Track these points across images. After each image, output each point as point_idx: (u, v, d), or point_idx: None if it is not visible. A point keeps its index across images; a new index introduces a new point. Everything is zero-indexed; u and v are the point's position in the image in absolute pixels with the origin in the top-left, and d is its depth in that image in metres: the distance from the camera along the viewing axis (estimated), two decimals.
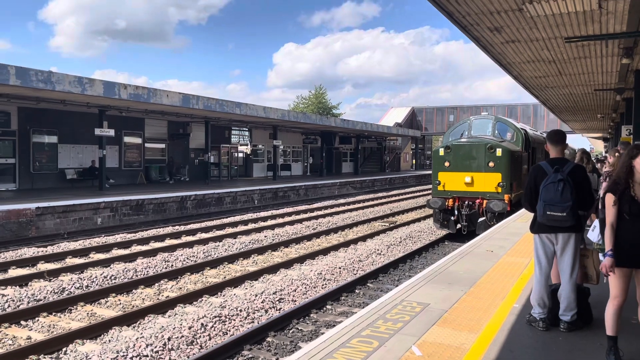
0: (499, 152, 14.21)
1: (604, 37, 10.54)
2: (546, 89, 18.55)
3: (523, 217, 13.12)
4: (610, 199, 4.13)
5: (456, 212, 14.67)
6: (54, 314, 8.25)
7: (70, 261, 12.10)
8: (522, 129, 16.83)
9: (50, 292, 9.38)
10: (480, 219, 14.31)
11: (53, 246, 13.72)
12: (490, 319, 5.32)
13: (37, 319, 7.99)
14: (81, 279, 10.28)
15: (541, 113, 52.70)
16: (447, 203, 14.77)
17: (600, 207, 8.10)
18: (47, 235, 15.32)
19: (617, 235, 4.09)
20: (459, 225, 14.82)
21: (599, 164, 21.17)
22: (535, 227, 5.01)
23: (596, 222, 7.57)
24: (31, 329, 7.64)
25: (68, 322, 7.91)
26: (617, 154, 8.55)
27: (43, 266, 11.47)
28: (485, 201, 14.23)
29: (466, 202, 14.62)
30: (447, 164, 14.85)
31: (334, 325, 7.05)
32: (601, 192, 8.25)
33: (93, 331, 7.32)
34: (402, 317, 5.35)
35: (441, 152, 15.10)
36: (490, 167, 14.21)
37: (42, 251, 13.03)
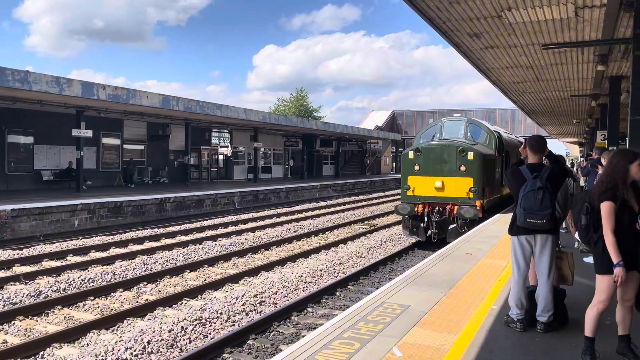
0: (470, 155, 13.54)
1: (579, 45, 10.79)
2: (524, 94, 18.86)
3: (500, 221, 13.32)
4: (610, 207, 4.01)
5: (426, 218, 14.05)
6: (30, 317, 8.10)
7: (47, 264, 11.90)
8: (495, 131, 16.21)
9: (27, 295, 9.22)
10: (451, 226, 13.72)
11: (29, 249, 13.48)
12: (470, 320, 5.40)
13: (13, 322, 7.85)
14: (58, 282, 10.12)
15: (519, 117, 53.57)
16: (416, 209, 14.12)
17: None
18: (22, 238, 15.04)
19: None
20: (429, 233, 14.22)
21: (574, 168, 21.46)
22: (514, 230, 5.11)
23: None
24: (7, 333, 7.50)
25: (45, 326, 7.78)
26: None
27: (19, 269, 11.25)
28: (456, 207, 13.61)
29: (436, 208, 14.01)
30: (416, 167, 14.17)
31: (315, 328, 7.06)
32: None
33: (71, 335, 7.22)
34: (383, 319, 5.40)
35: (410, 155, 14.37)
36: (461, 171, 13.60)
37: (18, 254, 12.79)
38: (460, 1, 8.26)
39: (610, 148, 12.50)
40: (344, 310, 8.10)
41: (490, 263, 8.26)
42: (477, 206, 13.37)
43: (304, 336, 6.41)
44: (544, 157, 5.23)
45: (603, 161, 8.79)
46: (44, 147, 23.23)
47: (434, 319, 5.43)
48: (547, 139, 5.35)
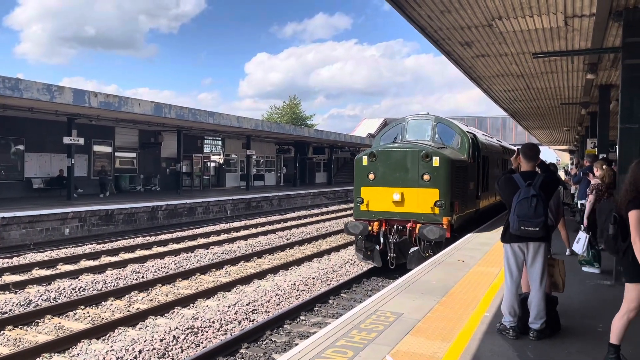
0: (435, 161, 11.14)
1: (569, 53, 10.90)
2: (515, 102, 19.00)
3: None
4: (638, 215, 4.04)
5: (382, 239, 11.48)
6: (20, 327, 8.02)
7: (37, 273, 11.79)
8: (469, 132, 13.73)
9: (16, 304, 9.13)
10: (413, 249, 11.29)
11: (19, 257, 13.35)
12: (462, 328, 5.41)
13: (2, 332, 7.76)
14: (48, 290, 10.03)
15: (510, 125, 53.93)
16: (371, 227, 11.60)
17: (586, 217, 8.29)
18: (12, 246, 14.91)
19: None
20: (387, 257, 11.64)
21: (565, 177, 21.59)
22: (507, 237, 5.13)
23: (580, 234, 7.77)
24: None
25: (35, 336, 7.70)
26: (604, 166, 8.80)
27: (8, 278, 11.14)
28: (418, 226, 11.16)
29: (395, 227, 11.50)
30: (371, 176, 11.68)
31: (308, 336, 7.04)
32: (588, 205, 8.48)
33: (61, 344, 7.15)
34: (376, 327, 5.39)
35: (364, 160, 11.92)
36: (425, 181, 11.20)
37: (8, 262, 12.67)
38: (452, 10, 8.33)
39: (600, 156, 12.61)
40: (337, 318, 8.07)
41: (482, 270, 8.28)
42: (443, 224, 11.00)
43: (296, 345, 6.39)
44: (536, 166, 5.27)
45: (595, 170, 8.87)
46: (35, 154, 23.07)
47: (427, 327, 5.43)
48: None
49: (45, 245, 15.43)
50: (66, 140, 20.23)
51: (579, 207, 11.28)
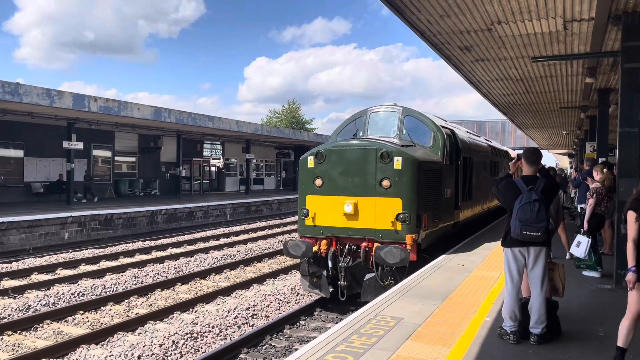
0: (397, 162, 8.90)
1: (568, 57, 10.90)
2: (514, 106, 19.01)
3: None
4: (632, 216, 4.22)
5: (330, 262, 9.10)
6: (19, 332, 7.99)
7: (36, 277, 11.76)
8: (445, 127, 11.25)
9: (15, 309, 9.10)
10: (369, 276, 8.88)
11: (18, 262, 13.33)
12: (463, 333, 5.39)
13: (1, 337, 7.73)
14: (47, 295, 10.00)
15: (509, 129, 53.93)
16: (318, 247, 9.25)
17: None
18: (11, 251, 14.87)
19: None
20: (339, 284, 9.13)
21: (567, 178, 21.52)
22: (508, 242, 5.11)
23: (581, 238, 7.75)
24: None
25: (34, 341, 7.67)
26: (604, 169, 8.79)
27: (7, 283, 11.12)
28: (376, 245, 8.80)
29: (347, 246, 9.14)
30: (318, 182, 9.38)
31: (308, 341, 7.02)
32: (589, 208, 8.47)
33: (60, 350, 7.12)
34: (377, 332, 5.37)
35: (310, 162, 9.52)
36: (384, 188, 8.92)
37: (7, 267, 12.64)
38: (451, 15, 8.34)
39: (600, 160, 12.61)
40: (337, 323, 8.05)
41: (482, 275, 8.27)
42: (407, 244, 8.70)
43: (296, 350, 6.36)
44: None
45: (595, 174, 8.86)
46: (34, 159, 23.07)
47: (427, 332, 5.41)
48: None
49: (44, 250, 15.41)
50: (66, 144, 20.25)
51: (579, 211, 11.27)
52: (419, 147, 10.16)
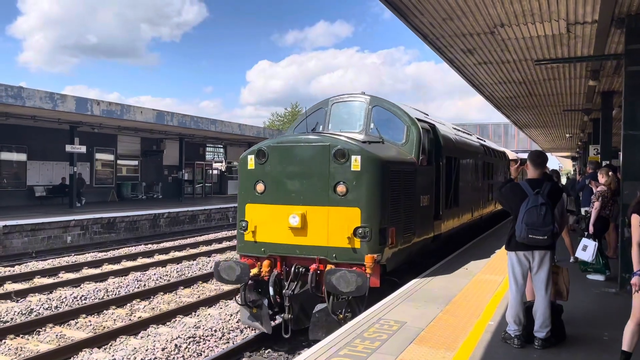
0: (356, 163, 7.17)
1: (572, 60, 10.87)
2: (517, 109, 18.97)
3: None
4: (636, 220, 4.22)
5: (272, 289, 7.28)
6: (21, 336, 7.99)
7: (39, 281, 11.76)
8: (423, 121, 9.43)
9: (18, 313, 9.09)
10: (319, 307, 7.07)
11: (21, 266, 13.33)
12: (467, 337, 5.36)
13: (3, 341, 7.72)
14: (50, 299, 10.00)
15: (512, 132, 53.87)
16: (258, 269, 7.45)
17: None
18: (14, 255, 14.88)
19: None
20: (280, 317, 7.43)
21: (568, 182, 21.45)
22: (512, 245, 5.08)
23: (587, 242, 7.71)
24: None
25: (36, 345, 7.66)
26: (610, 173, 8.75)
27: (10, 286, 11.11)
28: (329, 267, 7.07)
29: (294, 268, 7.30)
30: (260, 187, 7.60)
31: (311, 345, 6.99)
32: (594, 212, 8.42)
33: (62, 354, 7.12)
34: (380, 336, 5.34)
35: (250, 162, 7.75)
36: (339, 194, 7.18)
37: (9, 271, 12.65)
38: (454, 18, 8.32)
39: (603, 163, 12.56)
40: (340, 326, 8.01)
41: (486, 278, 8.23)
42: (366, 267, 6.90)
43: (300, 354, 6.33)
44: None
45: (600, 177, 8.82)
46: (37, 162, 23.10)
47: (430, 336, 5.38)
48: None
49: (47, 254, 15.41)
50: (68, 148, 20.28)
51: (583, 214, 11.22)
52: (389, 144, 8.46)
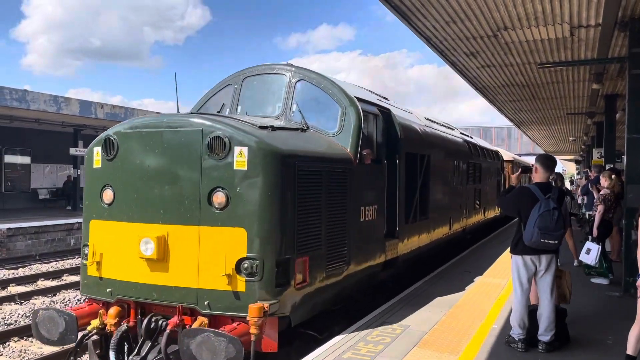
0: (240, 158, 4.74)
1: (575, 63, 10.87)
2: (520, 112, 18.96)
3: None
4: None
5: (113, 354, 4.81)
6: (25, 338, 8.00)
7: (43, 284, 11.79)
8: (365, 101, 6.85)
9: (22, 315, 9.12)
10: None
11: (24, 268, 13.37)
12: (470, 340, 5.35)
13: (7, 343, 7.75)
14: (54, 302, 10.02)
15: (515, 135, 53.81)
16: (99, 321, 5.00)
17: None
18: (18, 257, 14.92)
19: None
20: None
21: (572, 187, 21.42)
22: (519, 249, 5.05)
23: (591, 245, 7.71)
24: (1, 354, 7.41)
25: (40, 347, 7.68)
26: (613, 176, 8.74)
27: (14, 289, 11.14)
28: (200, 321, 4.66)
29: (146, 322, 4.87)
30: (108, 195, 5.20)
31: (315, 349, 6.98)
32: (597, 215, 8.41)
33: (65, 356, 7.11)
34: (383, 339, 5.34)
35: (96, 156, 5.37)
36: (216, 207, 4.75)
37: (13, 273, 12.68)
38: (457, 21, 8.33)
39: (607, 166, 12.53)
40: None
41: (489, 282, 8.21)
42: (249, 323, 4.45)
43: (303, 358, 6.33)
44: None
45: (603, 180, 8.81)
46: (41, 165, 23.19)
47: (434, 339, 5.38)
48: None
49: (50, 256, 15.45)
50: (72, 151, 20.36)
51: (587, 217, 11.20)
52: (314, 133, 6.08)
